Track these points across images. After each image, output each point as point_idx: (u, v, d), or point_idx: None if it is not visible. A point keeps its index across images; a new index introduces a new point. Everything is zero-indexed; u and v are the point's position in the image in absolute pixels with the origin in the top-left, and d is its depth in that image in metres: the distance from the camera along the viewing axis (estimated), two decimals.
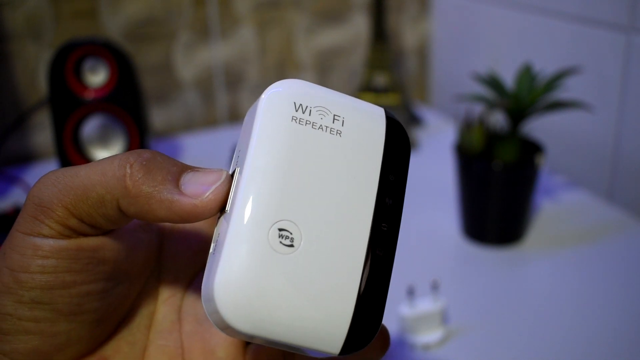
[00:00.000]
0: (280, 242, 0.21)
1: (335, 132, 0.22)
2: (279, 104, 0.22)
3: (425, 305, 0.52)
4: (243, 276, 0.20)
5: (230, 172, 0.23)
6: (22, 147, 0.90)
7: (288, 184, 0.21)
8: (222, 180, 0.22)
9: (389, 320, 0.53)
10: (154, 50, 0.93)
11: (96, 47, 0.73)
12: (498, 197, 0.63)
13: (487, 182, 0.62)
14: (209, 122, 1.00)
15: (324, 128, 0.22)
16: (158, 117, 0.97)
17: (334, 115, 0.22)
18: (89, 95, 0.74)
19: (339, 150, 0.22)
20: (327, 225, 0.21)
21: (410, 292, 0.52)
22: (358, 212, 0.22)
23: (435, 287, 0.53)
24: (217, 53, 0.97)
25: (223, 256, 0.20)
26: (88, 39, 0.74)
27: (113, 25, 0.90)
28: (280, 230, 0.21)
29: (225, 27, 0.96)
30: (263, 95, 0.22)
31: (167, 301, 0.26)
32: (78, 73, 0.74)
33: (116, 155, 0.22)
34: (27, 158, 0.90)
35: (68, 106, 0.74)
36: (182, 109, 0.98)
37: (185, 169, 0.22)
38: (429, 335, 0.51)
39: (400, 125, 0.24)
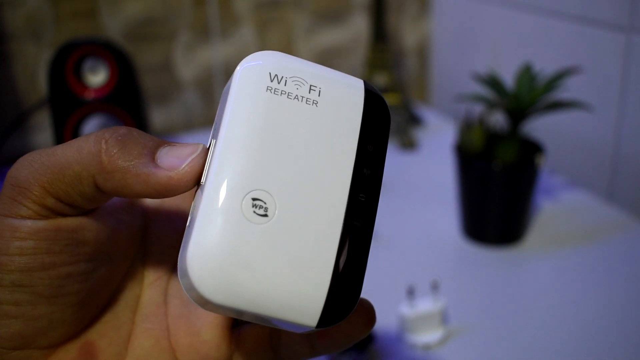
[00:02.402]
0: (254, 212, 0.20)
1: (311, 102, 0.22)
2: (253, 75, 0.22)
3: (425, 305, 0.52)
4: (215, 246, 0.20)
5: (208, 145, 0.22)
6: (22, 147, 0.90)
7: (262, 154, 0.21)
8: (197, 152, 0.21)
9: (389, 320, 0.53)
10: (154, 50, 0.93)
11: (96, 47, 0.73)
12: (498, 197, 0.63)
13: (487, 182, 0.62)
14: (209, 122, 1.00)
15: (300, 98, 0.22)
16: (158, 117, 0.97)
17: (310, 85, 0.22)
18: (89, 95, 0.74)
19: (315, 121, 0.22)
20: (302, 196, 0.21)
21: (410, 292, 0.52)
22: (335, 182, 0.21)
23: (435, 287, 0.53)
24: (217, 53, 0.97)
25: (195, 228, 0.20)
26: (88, 39, 0.74)
27: (113, 25, 0.90)
28: (253, 200, 0.20)
29: (225, 27, 0.96)
30: (238, 67, 0.22)
31: (152, 284, 0.26)
32: (78, 73, 0.74)
33: (92, 132, 0.21)
34: None
35: (68, 106, 0.74)
36: (182, 108, 0.98)
37: (162, 143, 0.22)
38: (429, 335, 0.51)
39: (380, 96, 0.23)
